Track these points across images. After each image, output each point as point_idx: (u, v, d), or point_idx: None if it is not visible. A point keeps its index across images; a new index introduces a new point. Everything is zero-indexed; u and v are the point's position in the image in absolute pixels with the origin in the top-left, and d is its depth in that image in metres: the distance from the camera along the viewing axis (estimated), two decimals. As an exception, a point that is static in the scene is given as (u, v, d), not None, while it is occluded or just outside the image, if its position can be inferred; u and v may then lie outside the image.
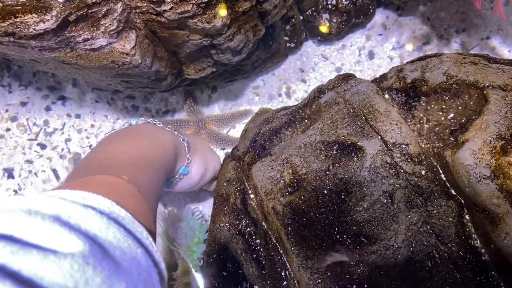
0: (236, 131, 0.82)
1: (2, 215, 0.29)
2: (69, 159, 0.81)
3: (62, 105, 0.87)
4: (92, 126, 0.85)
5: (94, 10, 0.52)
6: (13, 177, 0.81)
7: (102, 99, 0.86)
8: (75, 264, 0.26)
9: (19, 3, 0.50)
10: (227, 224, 0.59)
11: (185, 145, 0.60)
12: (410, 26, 0.89)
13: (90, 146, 0.84)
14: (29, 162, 0.82)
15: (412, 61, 0.64)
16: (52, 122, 0.85)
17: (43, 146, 0.84)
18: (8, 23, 0.51)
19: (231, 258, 0.59)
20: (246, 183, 0.59)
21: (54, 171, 0.82)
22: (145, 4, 0.55)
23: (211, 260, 0.61)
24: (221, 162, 0.69)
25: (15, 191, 0.80)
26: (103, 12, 0.53)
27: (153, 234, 0.40)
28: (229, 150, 0.82)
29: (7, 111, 0.85)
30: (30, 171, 0.81)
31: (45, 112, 0.86)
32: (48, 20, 0.51)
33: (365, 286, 0.49)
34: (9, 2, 0.50)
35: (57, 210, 0.31)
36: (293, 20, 0.81)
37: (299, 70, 0.86)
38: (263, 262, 0.56)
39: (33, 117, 0.86)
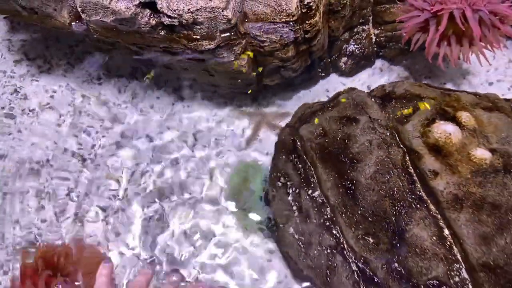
0: (283, 123, 1.36)
1: None
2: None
3: (181, 101, 1.42)
4: (200, 116, 1.40)
5: (232, 42, 1.08)
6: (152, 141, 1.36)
7: (206, 98, 1.42)
8: None
9: (201, 35, 1.06)
10: (283, 156, 1.12)
11: None
12: (396, 71, 1.44)
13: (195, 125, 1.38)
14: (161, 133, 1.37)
15: (389, 83, 1.18)
16: (176, 109, 1.40)
17: (169, 128, 1.39)
18: (192, 44, 1.06)
19: (283, 175, 1.11)
20: (295, 137, 1.12)
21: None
22: (255, 42, 1.10)
23: (272, 176, 1.13)
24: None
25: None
26: (235, 43, 1.08)
27: None
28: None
29: (149, 101, 1.42)
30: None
31: (171, 106, 1.42)
32: (211, 44, 1.06)
33: (354, 182, 1.00)
34: (193, 35, 1.06)
35: None
36: (325, 60, 1.36)
37: (325, 90, 1.41)
38: (302, 175, 1.08)
39: (163, 107, 1.41)
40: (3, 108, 1.41)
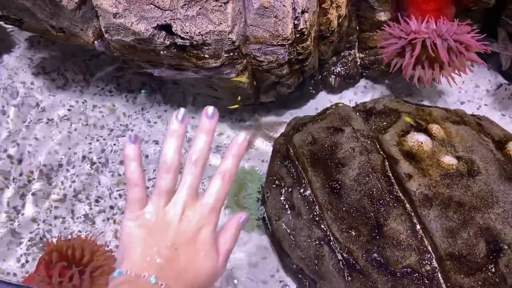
0: (277, 134, 1.51)
1: None
2: None
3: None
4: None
5: (235, 61, 1.24)
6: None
7: (207, 110, 1.57)
8: None
9: (208, 54, 1.22)
10: (278, 162, 1.27)
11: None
12: (379, 89, 1.61)
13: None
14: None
15: (371, 100, 1.34)
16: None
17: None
18: (200, 62, 1.22)
19: (277, 178, 1.25)
20: (288, 144, 1.27)
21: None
22: (255, 61, 1.26)
23: (268, 180, 1.27)
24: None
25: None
26: (238, 62, 1.24)
27: None
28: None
29: (156, 113, 1.57)
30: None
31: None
32: (217, 62, 1.21)
33: (339, 183, 1.15)
34: (202, 54, 1.22)
35: None
36: (315, 78, 1.53)
37: (315, 107, 1.57)
38: (295, 178, 1.22)
39: (169, 118, 1.56)
40: (22, 119, 1.55)
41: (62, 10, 1.16)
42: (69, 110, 1.58)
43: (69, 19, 1.19)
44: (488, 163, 1.14)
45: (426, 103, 1.57)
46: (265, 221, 1.31)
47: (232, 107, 1.36)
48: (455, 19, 1.33)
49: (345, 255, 1.09)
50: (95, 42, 1.25)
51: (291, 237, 1.18)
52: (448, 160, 1.14)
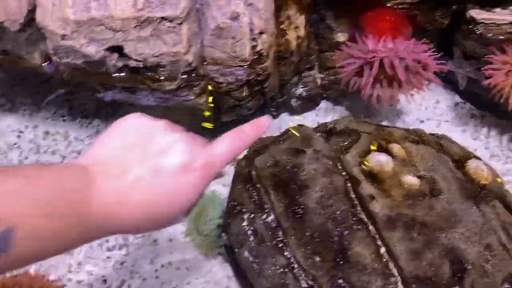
0: (239, 157, 1.47)
1: None
2: None
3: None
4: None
5: (192, 83, 1.20)
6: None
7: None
8: None
9: (164, 76, 1.17)
10: (240, 186, 1.22)
11: None
12: (339, 111, 1.61)
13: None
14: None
15: (331, 121, 1.33)
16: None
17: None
18: (156, 84, 1.17)
19: (239, 203, 1.21)
20: (250, 167, 1.24)
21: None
22: (213, 83, 1.23)
23: (230, 205, 1.22)
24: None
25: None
26: (195, 84, 1.20)
27: None
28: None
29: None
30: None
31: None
32: (173, 84, 1.17)
33: (302, 206, 1.12)
34: (157, 76, 1.17)
35: None
36: (277, 100, 1.51)
37: (278, 127, 1.55)
38: (257, 202, 1.18)
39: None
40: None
41: (4, 32, 1.10)
42: (18, 136, 1.49)
43: (13, 41, 1.13)
44: (449, 182, 1.14)
45: (385, 123, 1.58)
46: (227, 249, 1.25)
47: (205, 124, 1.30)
48: (412, 38, 1.35)
49: (310, 282, 1.05)
50: (44, 65, 1.19)
51: (255, 265, 1.13)
52: (410, 180, 1.13)
